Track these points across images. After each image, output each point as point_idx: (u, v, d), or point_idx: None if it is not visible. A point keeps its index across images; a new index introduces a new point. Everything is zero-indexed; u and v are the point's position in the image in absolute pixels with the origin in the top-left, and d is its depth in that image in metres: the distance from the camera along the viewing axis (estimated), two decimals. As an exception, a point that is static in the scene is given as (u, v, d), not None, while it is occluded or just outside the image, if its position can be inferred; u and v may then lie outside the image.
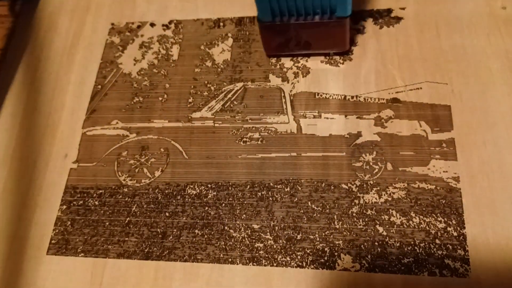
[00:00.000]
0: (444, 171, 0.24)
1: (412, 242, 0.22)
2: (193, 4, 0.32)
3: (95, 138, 0.29)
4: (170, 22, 0.32)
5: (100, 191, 0.27)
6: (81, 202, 0.27)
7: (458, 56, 0.26)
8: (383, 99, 0.26)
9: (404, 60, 0.27)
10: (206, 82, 0.29)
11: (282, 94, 0.27)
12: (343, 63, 0.28)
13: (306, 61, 0.28)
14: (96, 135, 0.29)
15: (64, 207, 0.27)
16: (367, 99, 0.26)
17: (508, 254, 0.21)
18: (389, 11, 0.29)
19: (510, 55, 0.26)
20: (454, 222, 0.22)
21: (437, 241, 0.22)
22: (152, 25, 0.32)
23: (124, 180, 0.27)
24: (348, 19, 0.25)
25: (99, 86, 0.30)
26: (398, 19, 0.28)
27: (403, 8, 0.28)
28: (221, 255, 0.24)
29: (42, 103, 0.31)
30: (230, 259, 0.23)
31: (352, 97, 0.27)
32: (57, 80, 0.31)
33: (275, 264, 0.23)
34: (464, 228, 0.22)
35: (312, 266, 0.22)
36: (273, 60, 0.29)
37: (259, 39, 0.29)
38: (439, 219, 0.22)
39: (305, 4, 0.24)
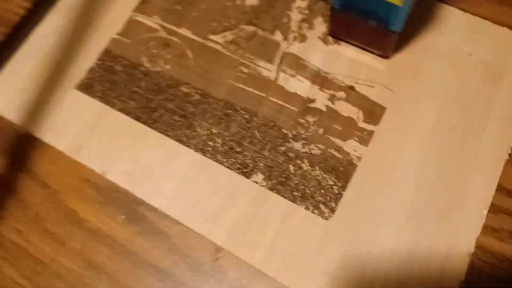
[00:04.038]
0: (354, 150, 0.32)
1: (306, 184, 0.31)
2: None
3: (138, 23, 0.38)
4: (227, -43, 0.39)
5: (126, 62, 0.36)
6: (111, 64, 0.36)
7: (417, 74, 0.34)
8: (344, 83, 0.34)
9: (377, 61, 0.34)
10: (230, 15, 0.37)
11: (278, 49, 0.36)
12: (332, 45, 0.35)
13: (308, 31, 0.36)
14: (139, 21, 0.38)
15: (99, 62, 0.37)
16: (333, 78, 0.34)
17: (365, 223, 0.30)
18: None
19: (448, 92, 0.33)
20: (340, 184, 0.31)
21: (322, 191, 0.31)
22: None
23: (144, 61, 0.36)
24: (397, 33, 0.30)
25: (156, -15, 0.39)
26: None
27: (398, 22, 0.35)
28: (184, 139, 0.33)
29: (112, -20, 0.40)
30: (187, 144, 0.33)
31: (325, 72, 0.34)
32: (129, -34, 0.40)
33: (214, 160, 0.33)
34: (344, 191, 0.31)
35: (235, 171, 0.32)
36: (285, 19, 0.36)
37: (286, 3, 0.37)
38: (332, 178, 0.32)
39: (367, 12, 0.30)
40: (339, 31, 0.34)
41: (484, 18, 0.35)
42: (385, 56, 0.34)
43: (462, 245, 0.29)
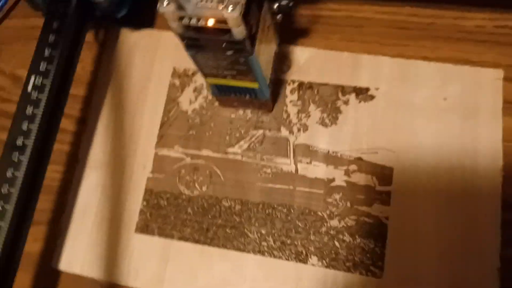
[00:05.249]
0: (380, 212, 0.39)
1: (353, 253, 0.38)
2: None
3: (164, 157, 0.44)
4: (215, 74, 0.45)
5: (168, 195, 0.42)
6: (155, 201, 0.42)
7: (405, 131, 0.40)
8: (352, 156, 0.40)
9: (371, 129, 0.41)
10: (238, 126, 0.43)
11: (288, 143, 0.42)
12: (331, 126, 0.41)
13: (307, 120, 0.42)
14: (164, 155, 0.44)
15: (145, 203, 0.43)
16: (342, 155, 0.40)
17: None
18: (367, 89, 0.42)
19: (438, 138, 0.39)
20: (380, 244, 0.38)
21: (368, 255, 0.38)
22: (203, 74, 0.45)
23: (183, 190, 0.42)
24: (270, 97, 0.40)
25: (165, 118, 0.45)
26: (372, 97, 0.41)
27: (377, 89, 0.41)
28: (241, 247, 0.40)
29: (126, 124, 0.45)
30: (246, 250, 0.40)
31: (333, 152, 0.41)
32: (136, 108, 0.46)
33: (273, 257, 0.39)
34: (385, 249, 0.38)
35: (293, 260, 0.39)
36: (285, 115, 0.43)
37: (281, 100, 0.43)
38: (372, 241, 0.38)
39: (238, 92, 0.39)
40: (227, 104, 0.43)
41: (446, 61, 0.41)
42: (269, 111, 0.42)
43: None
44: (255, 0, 0.32)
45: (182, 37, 0.32)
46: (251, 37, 0.32)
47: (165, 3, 0.29)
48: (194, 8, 0.30)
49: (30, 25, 0.52)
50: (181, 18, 0.30)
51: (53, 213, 0.45)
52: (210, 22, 0.30)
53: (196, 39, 0.32)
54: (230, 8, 0.28)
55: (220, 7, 0.29)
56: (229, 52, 0.33)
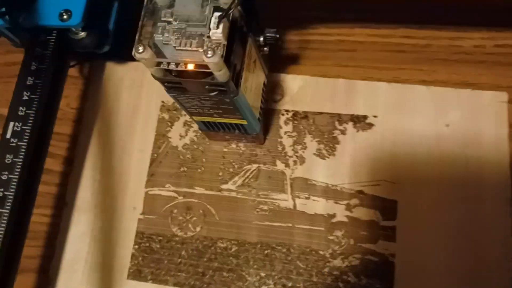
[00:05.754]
0: (385, 249, 0.36)
1: (359, 295, 0.36)
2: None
3: (155, 197, 0.41)
4: (205, 107, 0.43)
5: (160, 237, 0.40)
6: (148, 244, 0.40)
7: (407, 161, 0.38)
8: (353, 190, 0.38)
9: (370, 160, 0.39)
10: (231, 160, 0.41)
11: (285, 177, 0.40)
12: (329, 157, 0.39)
13: (303, 152, 0.40)
14: (155, 195, 0.42)
15: (136, 246, 0.40)
16: (342, 188, 0.38)
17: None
18: (365, 117, 0.40)
19: (441, 167, 0.37)
20: (388, 285, 0.36)
21: (375, 295, 0.36)
22: (192, 107, 0.43)
23: (175, 231, 0.40)
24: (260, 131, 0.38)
25: (155, 155, 0.43)
26: (371, 125, 0.39)
27: (375, 116, 0.39)
28: (240, 291, 0.38)
29: (115, 163, 0.43)
30: (245, 295, 0.37)
31: (332, 185, 0.39)
32: (124, 145, 0.43)
33: (273, 301, 0.37)
34: (392, 289, 0.36)
35: (296, 305, 0.36)
36: (279, 148, 0.40)
37: (275, 132, 0.41)
38: (378, 282, 0.36)
39: (226, 128, 0.37)
40: (217, 138, 0.41)
41: (444, 84, 0.40)
42: (260, 144, 0.40)
43: None
44: (237, 38, 0.30)
45: (162, 81, 0.31)
46: (236, 77, 0.30)
47: (140, 49, 0.27)
48: (173, 52, 0.28)
49: (12, 61, 0.50)
50: (159, 63, 0.28)
51: (42, 260, 0.42)
52: (190, 66, 0.28)
53: (176, 82, 0.30)
54: (209, 53, 0.26)
55: (200, 50, 0.27)
56: (213, 94, 0.31)
